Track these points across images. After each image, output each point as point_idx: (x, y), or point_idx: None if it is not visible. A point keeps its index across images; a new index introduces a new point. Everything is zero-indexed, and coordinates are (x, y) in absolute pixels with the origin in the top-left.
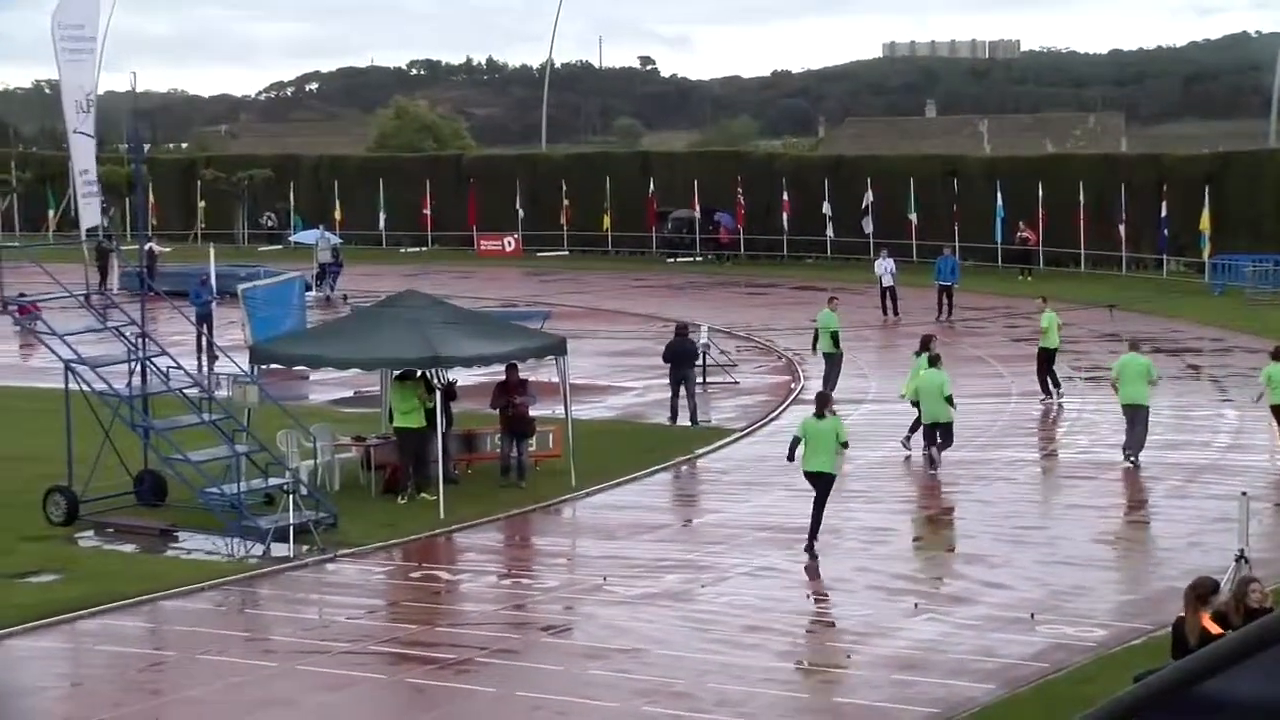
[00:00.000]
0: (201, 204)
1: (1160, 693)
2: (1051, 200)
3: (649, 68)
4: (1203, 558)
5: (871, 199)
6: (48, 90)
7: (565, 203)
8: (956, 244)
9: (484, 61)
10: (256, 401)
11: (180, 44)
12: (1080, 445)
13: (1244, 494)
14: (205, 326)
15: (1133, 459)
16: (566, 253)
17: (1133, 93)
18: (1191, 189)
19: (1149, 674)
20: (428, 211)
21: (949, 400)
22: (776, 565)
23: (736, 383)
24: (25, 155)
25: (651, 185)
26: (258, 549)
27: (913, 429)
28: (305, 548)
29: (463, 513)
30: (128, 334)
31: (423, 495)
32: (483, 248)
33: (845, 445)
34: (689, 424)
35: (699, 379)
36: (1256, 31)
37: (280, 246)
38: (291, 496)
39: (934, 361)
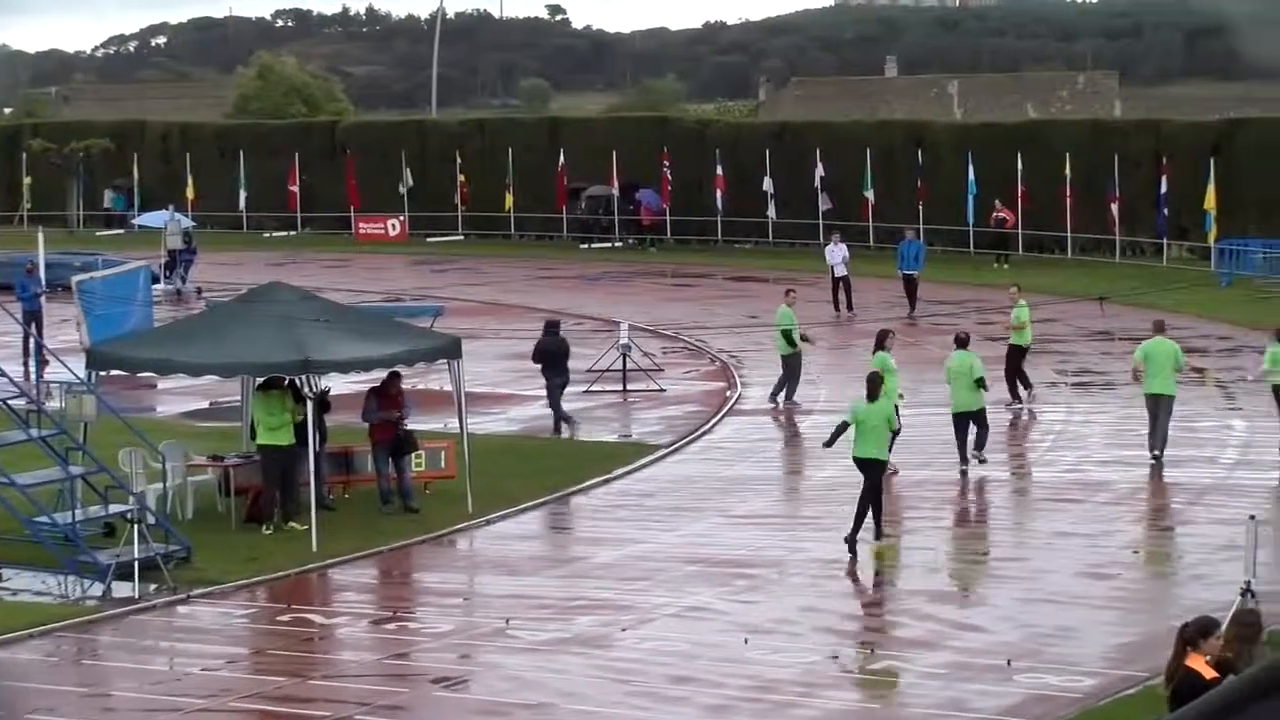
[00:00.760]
0: (28, 180)
1: None
2: (1033, 175)
3: (559, 18)
4: (1206, 592)
5: (822, 173)
6: None
7: (460, 178)
8: (921, 226)
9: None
10: (94, 414)
11: None
12: (1066, 462)
13: (1252, 518)
14: (33, 325)
15: (1158, 454)
16: (461, 237)
17: (1128, 48)
18: (1195, 162)
19: None
20: (296, 189)
21: (980, 383)
22: (708, 605)
23: (662, 390)
24: None
25: (561, 157)
26: (97, 588)
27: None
28: (153, 587)
29: (339, 545)
30: None
31: (291, 524)
32: (362, 232)
33: (897, 432)
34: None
35: (620, 385)
36: None
37: (122, 231)
38: (136, 526)
39: (962, 343)
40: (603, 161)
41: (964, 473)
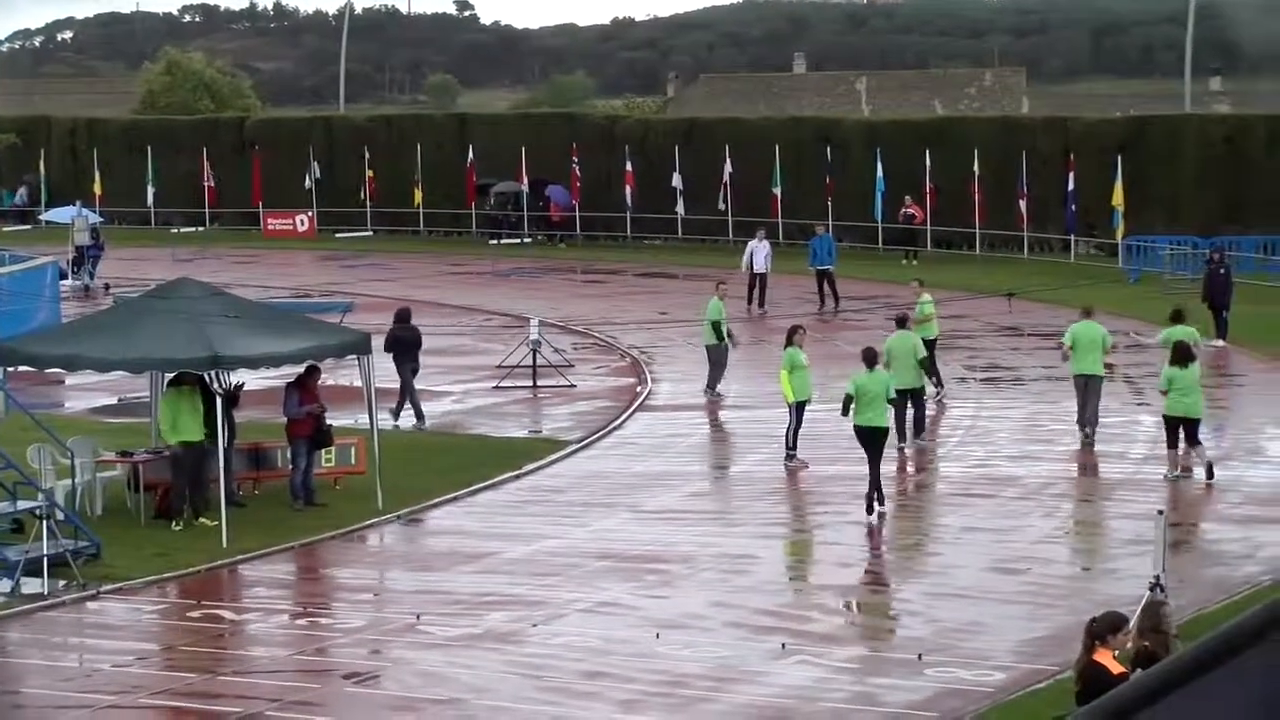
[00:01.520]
0: None
1: None
2: (941, 172)
3: (466, 14)
4: (1115, 586)
5: (731, 170)
6: None
7: (368, 174)
8: (830, 222)
9: (270, 6)
10: (2, 411)
11: None
12: (975, 457)
13: (1161, 513)
14: None
15: (1089, 432)
16: (370, 233)
17: (1036, 45)
18: (1103, 158)
19: None
20: (205, 185)
21: (922, 364)
22: (619, 600)
23: (572, 386)
24: None
25: (470, 153)
26: (5, 585)
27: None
28: (62, 583)
29: (249, 541)
30: None
31: (201, 520)
32: (270, 227)
33: (892, 401)
34: (416, 426)
35: (531, 381)
36: None
37: (28, 226)
38: (45, 523)
39: (902, 323)
40: (512, 158)
41: (902, 449)
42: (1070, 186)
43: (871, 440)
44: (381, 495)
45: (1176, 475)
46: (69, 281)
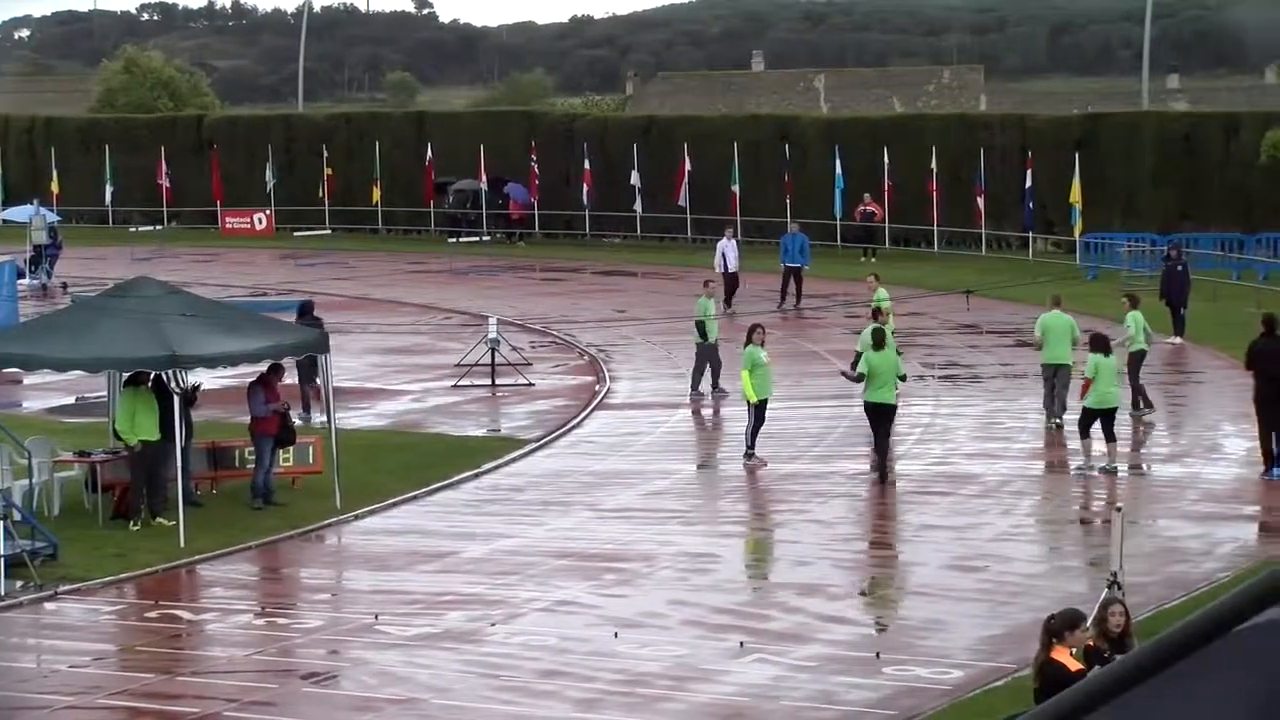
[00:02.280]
0: None
1: None
2: (900, 169)
3: (425, 12)
4: (1073, 584)
5: (690, 168)
6: None
7: (327, 172)
8: (789, 220)
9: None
10: None
11: None
12: (933, 455)
13: (1119, 509)
14: None
15: (1059, 422)
16: (329, 231)
17: (994, 43)
18: (1060, 156)
19: None
20: (163, 183)
21: (902, 379)
22: (578, 599)
23: (531, 384)
24: None
25: (429, 151)
26: None
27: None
28: (19, 584)
29: (207, 541)
30: None
31: (159, 520)
32: (229, 226)
33: (903, 378)
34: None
35: (489, 380)
36: None
37: None
38: (2, 523)
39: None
40: (470, 156)
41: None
42: (1028, 184)
43: (880, 416)
44: (339, 495)
45: (1107, 465)
46: (26, 281)
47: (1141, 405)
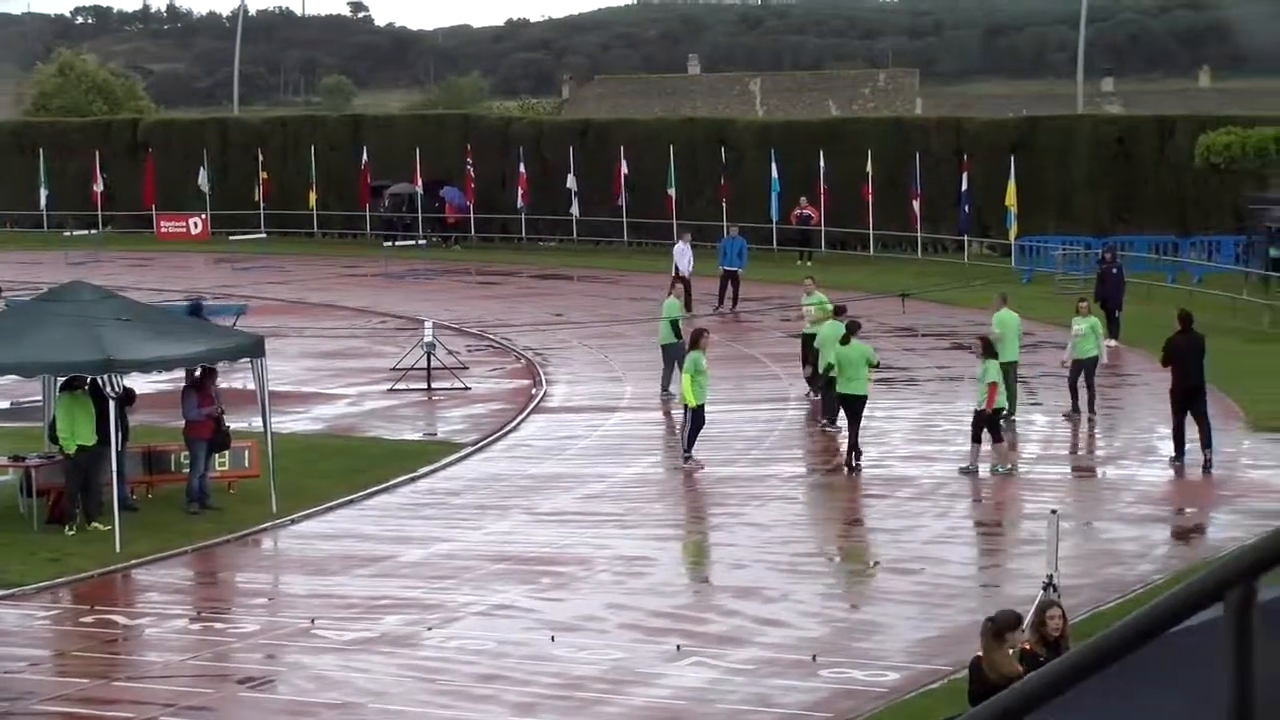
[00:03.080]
0: None
1: None
2: (835, 172)
3: (361, 15)
4: (1008, 586)
5: (626, 171)
6: None
7: (262, 176)
8: (725, 223)
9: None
10: None
11: None
12: (869, 458)
13: (1054, 512)
14: None
15: (1013, 419)
16: (264, 235)
17: (929, 46)
18: (995, 159)
19: None
20: (98, 187)
21: (875, 366)
22: (515, 603)
23: (467, 388)
24: None
25: (365, 155)
26: None
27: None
28: None
29: (142, 545)
30: None
31: (94, 525)
32: (164, 230)
33: (875, 366)
34: None
35: (425, 383)
36: None
37: None
38: None
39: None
40: (406, 159)
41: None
42: (963, 187)
43: (850, 405)
44: (275, 499)
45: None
46: None
47: (1081, 408)
